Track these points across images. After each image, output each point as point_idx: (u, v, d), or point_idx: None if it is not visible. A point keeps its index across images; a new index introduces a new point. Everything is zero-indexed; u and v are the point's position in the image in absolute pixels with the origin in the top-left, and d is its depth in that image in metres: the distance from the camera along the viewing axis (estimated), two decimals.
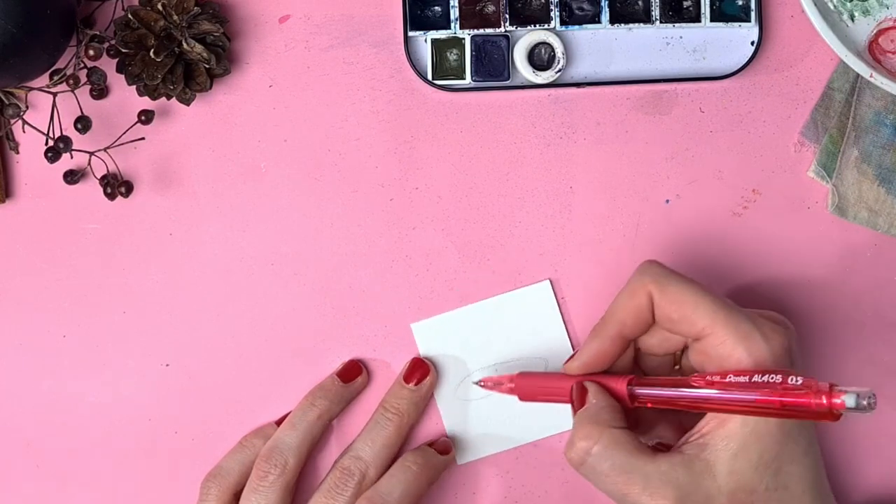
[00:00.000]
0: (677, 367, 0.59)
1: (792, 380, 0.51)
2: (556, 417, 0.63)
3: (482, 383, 0.62)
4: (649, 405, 0.56)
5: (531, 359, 0.63)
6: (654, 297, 0.55)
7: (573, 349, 0.63)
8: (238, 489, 0.62)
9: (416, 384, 0.62)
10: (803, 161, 0.64)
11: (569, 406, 0.57)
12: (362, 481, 0.60)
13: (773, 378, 0.51)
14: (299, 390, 0.63)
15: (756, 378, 0.51)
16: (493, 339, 0.64)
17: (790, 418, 0.52)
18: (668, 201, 0.64)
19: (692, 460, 0.53)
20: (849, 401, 0.49)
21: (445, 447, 0.63)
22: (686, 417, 0.57)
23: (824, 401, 0.49)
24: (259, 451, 0.62)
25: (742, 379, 0.52)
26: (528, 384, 0.60)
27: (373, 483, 0.60)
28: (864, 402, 0.49)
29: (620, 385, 0.56)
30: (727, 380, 0.52)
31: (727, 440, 0.53)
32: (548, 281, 0.64)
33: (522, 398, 0.60)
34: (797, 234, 0.64)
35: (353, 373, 0.63)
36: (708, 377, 0.53)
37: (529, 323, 0.63)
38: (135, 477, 0.64)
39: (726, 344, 0.54)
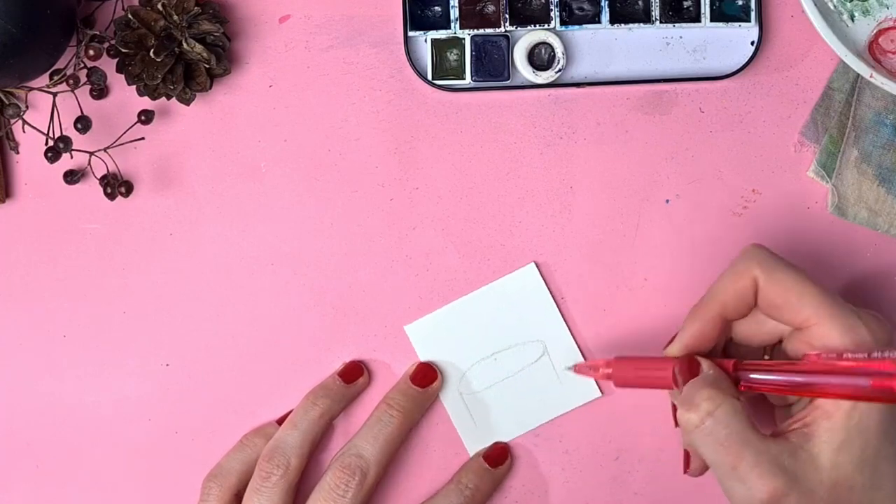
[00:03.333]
0: (767, 357, 0.59)
1: None
2: (556, 402, 0.63)
3: (575, 370, 0.61)
4: (755, 390, 0.55)
5: (528, 342, 0.63)
6: (759, 282, 0.55)
7: (568, 328, 0.63)
8: (239, 489, 0.61)
9: (422, 387, 0.63)
10: (803, 161, 0.64)
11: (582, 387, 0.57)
12: (363, 481, 0.60)
13: (891, 354, 0.51)
14: (299, 390, 0.63)
15: (875, 354, 0.51)
16: (488, 328, 0.64)
17: None
18: (668, 201, 0.64)
19: (797, 449, 0.53)
20: None
21: (501, 457, 0.63)
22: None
23: None
24: (260, 450, 0.62)
25: (860, 355, 0.51)
26: (627, 369, 0.58)
27: (374, 483, 0.60)
28: None
29: (726, 367, 0.55)
30: (844, 357, 0.51)
31: (831, 433, 0.53)
32: (533, 264, 0.63)
33: (618, 384, 0.58)
34: (797, 234, 0.64)
35: (355, 374, 0.63)
36: (824, 355, 0.52)
37: (521, 307, 0.63)
38: (135, 477, 0.64)
39: (832, 335, 0.53)
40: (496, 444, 0.63)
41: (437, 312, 0.64)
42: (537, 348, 0.64)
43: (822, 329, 0.53)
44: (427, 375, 0.63)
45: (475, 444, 0.63)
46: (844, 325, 0.53)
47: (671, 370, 0.56)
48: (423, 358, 0.64)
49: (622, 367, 0.58)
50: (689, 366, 0.56)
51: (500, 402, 0.64)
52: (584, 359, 0.63)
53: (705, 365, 0.55)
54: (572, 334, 0.63)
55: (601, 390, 0.63)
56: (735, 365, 0.55)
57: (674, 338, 0.58)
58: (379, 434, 0.61)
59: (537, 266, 0.63)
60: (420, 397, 0.62)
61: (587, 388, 0.63)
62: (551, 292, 0.64)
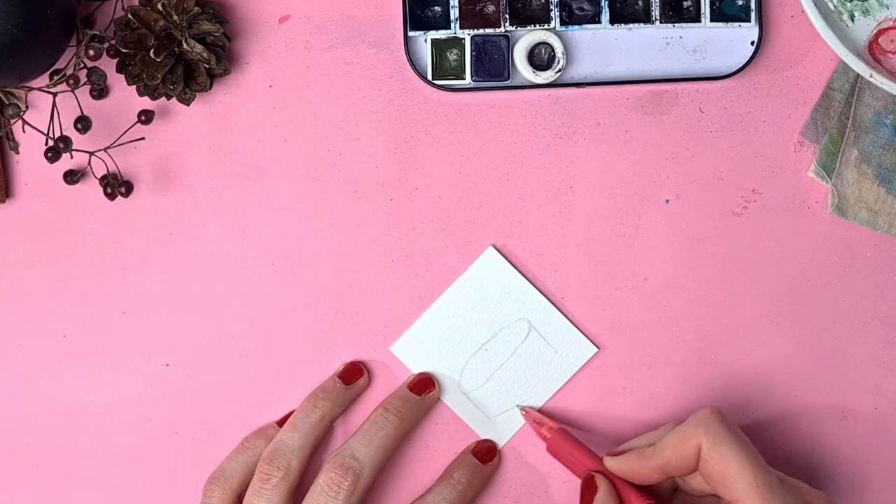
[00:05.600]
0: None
1: None
2: (557, 371, 0.64)
3: (525, 412, 0.63)
4: None
5: (512, 323, 0.63)
6: (702, 450, 0.56)
7: (548, 300, 0.63)
8: (241, 491, 0.61)
9: (420, 396, 0.63)
10: (803, 161, 0.64)
11: None
12: (356, 482, 0.59)
13: None
14: (299, 390, 0.63)
15: None
16: (469, 323, 0.64)
17: None
18: (668, 201, 0.64)
19: None
20: None
21: (490, 453, 0.63)
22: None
23: None
24: (260, 451, 0.62)
25: None
26: (561, 444, 0.61)
27: (367, 485, 0.60)
28: None
29: (635, 502, 0.58)
30: None
31: None
32: (491, 247, 0.64)
33: (549, 451, 0.62)
34: (797, 234, 0.64)
35: (355, 374, 0.63)
36: None
37: (493, 292, 0.64)
38: (135, 477, 0.64)
39: None
40: (484, 440, 0.63)
41: (416, 324, 0.64)
42: (523, 326, 0.64)
43: None
44: (425, 385, 0.63)
45: (498, 438, 0.64)
46: None
47: (587, 471, 0.59)
48: (415, 372, 0.64)
49: (559, 440, 0.61)
50: (588, 490, 0.59)
51: (504, 389, 0.64)
52: (572, 325, 0.63)
53: (599, 497, 0.58)
54: (551, 302, 0.63)
55: (596, 345, 0.63)
56: None
57: (621, 452, 0.59)
58: (374, 437, 0.61)
59: (496, 248, 0.63)
60: (418, 404, 0.62)
61: (583, 348, 0.64)
62: (518, 270, 0.63)
